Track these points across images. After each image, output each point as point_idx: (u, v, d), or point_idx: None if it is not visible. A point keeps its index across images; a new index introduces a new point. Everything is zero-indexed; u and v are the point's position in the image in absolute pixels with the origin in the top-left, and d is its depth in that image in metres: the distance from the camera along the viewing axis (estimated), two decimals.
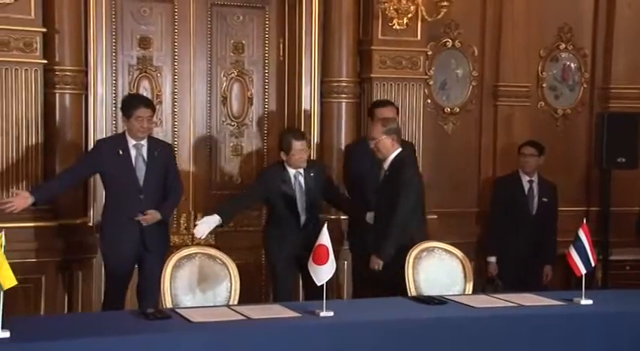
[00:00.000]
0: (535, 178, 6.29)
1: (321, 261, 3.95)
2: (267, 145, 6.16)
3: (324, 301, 3.93)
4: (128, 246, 5.05)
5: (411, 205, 4.94)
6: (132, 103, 5.09)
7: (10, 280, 3.38)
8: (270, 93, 6.17)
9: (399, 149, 5.07)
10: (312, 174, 5.39)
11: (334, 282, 5.55)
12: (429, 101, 6.50)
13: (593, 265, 4.45)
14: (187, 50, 5.91)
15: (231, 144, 6.13)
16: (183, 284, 4.38)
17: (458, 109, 6.66)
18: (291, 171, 5.37)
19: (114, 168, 5.03)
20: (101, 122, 5.61)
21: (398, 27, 5.89)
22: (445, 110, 6.63)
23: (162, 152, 5.15)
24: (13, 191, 5.06)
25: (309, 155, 5.57)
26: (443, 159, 6.53)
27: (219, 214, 5.16)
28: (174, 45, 5.90)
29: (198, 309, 4.10)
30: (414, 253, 4.80)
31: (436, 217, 6.08)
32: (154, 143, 5.17)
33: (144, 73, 5.85)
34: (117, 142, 5.11)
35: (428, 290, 4.68)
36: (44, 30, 5.24)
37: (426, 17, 5.90)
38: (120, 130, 5.50)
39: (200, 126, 6.00)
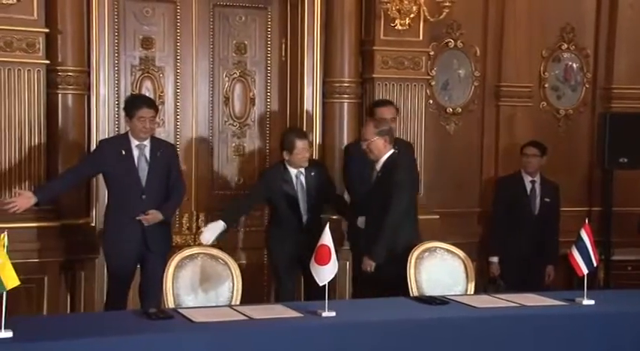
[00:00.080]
0: (537, 179, 6.29)
1: (323, 261, 3.95)
2: (269, 145, 6.16)
3: (326, 301, 3.94)
4: (130, 246, 5.06)
5: (403, 207, 4.94)
6: (134, 104, 5.10)
7: (12, 281, 3.39)
8: (272, 93, 6.17)
9: (392, 150, 5.06)
10: (312, 173, 5.41)
11: (337, 282, 5.55)
12: (431, 101, 6.50)
13: (595, 265, 4.46)
14: (190, 51, 5.92)
15: (234, 144, 6.13)
16: (186, 284, 4.39)
17: (460, 110, 6.66)
18: (293, 171, 5.38)
19: (116, 168, 5.04)
20: (103, 122, 5.62)
21: (400, 27, 5.89)
22: (447, 110, 6.63)
23: (164, 152, 5.16)
24: (15, 191, 5.06)
25: (311, 154, 5.59)
26: (445, 159, 6.54)
27: (223, 220, 5.19)
28: (177, 45, 5.90)
29: (201, 309, 4.10)
30: (415, 253, 4.81)
31: (438, 217, 6.08)
32: (157, 143, 5.18)
33: (146, 74, 5.85)
34: (120, 142, 5.12)
35: (430, 290, 4.68)
36: (47, 30, 5.25)
37: (428, 17, 5.90)
38: (122, 131, 5.51)
39: (202, 126, 6.01)
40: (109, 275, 5.23)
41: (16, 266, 3.42)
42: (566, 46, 6.93)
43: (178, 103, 5.94)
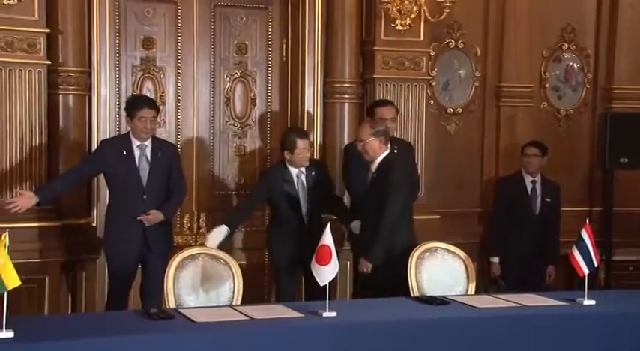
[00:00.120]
0: (538, 179, 6.29)
1: (324, 261, 3.96)
2: (270, 145, 6.17)
3: (327, 301, 3.94)
4: (131, 246, 5.06)
5: (399, 208, 4.94)
6: (135, 104, 5.11)
7: (14, 281, 3.39)
8: (273, 93, 6.18)
9: (387, 151, 5.06)
10: (313, 173, 5.42)
11: (337, 282, 5.56)
12: (432, 102, 6.50)
13: (595, 265, 4.46)
14: (190, 51, 5.92)
15: (234, 144, 6.14)
16: (187, 284, 4.40)
17: (460, 110, 6.66)
18: (294, 170, 5.39)
19: (118, 168, 5.05)
20: (104, 123, 5.62)
21: (401, 27, 5.89)
22: (448, 111, 6.63)
23: (166, 153, 5.17)
24: (17, 191, 5.07)
25: (312, 154, 5.60)
26: (445, 159, 6.54)
27: (226, 225, 5.21)
28: (178, 46, 5.90)
29: (202, 309, 4.11)
30: (416, 253, 4.81)
31: (439, 217, 6.08)
32: (158, 144, 5.18)
33: (147, 74, 5.86)
34: (121, 142, 5.12)
35: (430, 290, 4.69)
36: (48, 31, 5.25)
37: (429, 18, 5.90)
38: (123, 131, 5.51)
39: (203, 126, 6.01)
40: (110, 275, 5.24)
41: (17, 266, 3.42)
42: (566, 46, 6.94)
43: (179, 104, 5.94)
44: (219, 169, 6.09)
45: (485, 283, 6.10)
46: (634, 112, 6.79)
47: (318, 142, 6.02)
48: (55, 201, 5.27)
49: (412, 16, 5.84)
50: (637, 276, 6.65)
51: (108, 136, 5.50)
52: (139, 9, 5.82)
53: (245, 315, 3.91)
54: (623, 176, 6.73)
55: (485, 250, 6.40)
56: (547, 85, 6.94)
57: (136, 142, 5.08)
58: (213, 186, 6.06)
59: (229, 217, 5.39)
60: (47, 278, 5.25)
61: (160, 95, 5.87)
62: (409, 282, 4.72)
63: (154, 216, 5.01)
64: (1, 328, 3.36)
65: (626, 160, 6.50)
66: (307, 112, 6.04)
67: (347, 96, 6.03)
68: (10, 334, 3.36)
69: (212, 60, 6.01)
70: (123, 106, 5.38)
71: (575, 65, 6.99)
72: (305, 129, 5.89)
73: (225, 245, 5.24)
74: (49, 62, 5.29)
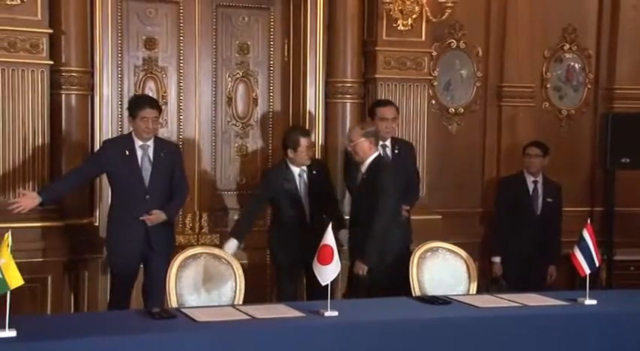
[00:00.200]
0: (540, 179, 6.29)
1: (326, 261, 3.96)
2: (271, 145, 6.17)
3: (329, 300, 3.94)
4: (133, 246, 5.07)
5: (390, 212, 4.95)
6: (137, 104, 5.12)
7: (17, 280, 3.40)
8: (274, 93, 6.18)
9: (377, 152, 5.08)
10: (314, 172, 5.44)
11: (339, 282, 5.56)
12: (434, 102, 6.50)
13: (597, 265, 4.46)
14: (192, 51, 5.93)
15: (236, 144, 6.14)
16: (189, 284, 4.40)
17: (462, 110, 6.67)
18: (295, 169, 5.40)
19: (120, 168, 5.06)
20: (107, 123, 5.63)
21: (402, 28, 5.90)
22: (449, 111, 6.64)
23: (168, 153, 5.18)
24: (20, 191, 5.07)
25: (314, 153, 5.61)
26: (447, 159, 6.55)
27: (235, 237, 5.27)
28: (180, 46, 5.91)
29: (204, 308, 4.12)
30: (418, 253, 4.83)
31: (440, 217, 6.09)
32: (161, 144, 5.19)
33: (149, 74, 5.87)
34: (123, 142, 5.13)
35: (432, 290, 4.69)
36: (50, 31, 5.26)
37: (431, 18, 5.91)
38: (126, 131, 5.53)
39: (205, 126, 6.02)
40: (112, 275, 5.25)
41: (20, 266, 3.43)
42: (568, 46, 6.94)
43: (181, 104, 5.95)
44: (221, 169, 6.10)
45: (487, 283, 6.10)
46: (635, 112, 6.80)
47: (320, 142, 6.02)
48: (58, 201, 5.28)
49: (414, 16, 5.85)
50: (638, 276, 6.65)
51: (110, 136, 5.51)
52: (141, 9, 5.83)
53: (247, 315, 3.92)
54: (624, 176, 6.74)
55: (487, 250, 6.40)
56: (548, 86, 6.94)
57: (138, 142, 5.09)
58: (215, 186, 6.07)
59: (237, 229, 5.41)
60: (50, 278, 5.25)
61: (162, 95, 5.88)
62: (411, 282, 4.74)
63: (157, 216, 5.02)
64: (4, 328, 3.37)
65: (628, 160, 6.51)
66: (309, 112, 6.04)
67: (349, 96, 6.03)
68: (13, 333, 3.37)
69: (214, 60, 6.02)
70: (125, 106, 5.40)
71: (576, 65, 6.99)
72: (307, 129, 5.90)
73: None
74: (51, 62, 5.30)
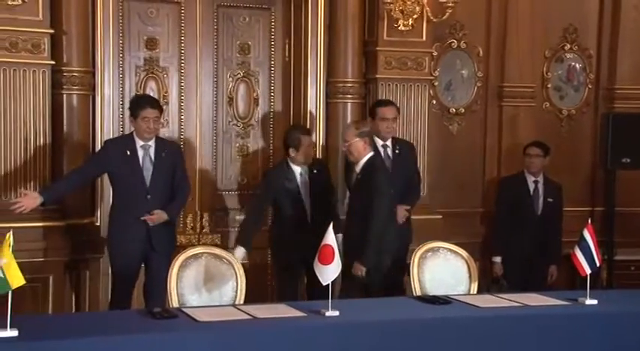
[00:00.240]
0: (540, 179, 6.30)
1: (327, 261, 3.96)
2: (272, 145, 6.18)
3: (330, 300, 3.95)
4: (135, 246, 5.08)
5: (385, 213, 4.95)
6: (138, 104, 5.13)
7: (18, 280, 3.40)
8: (275, 93, 6.19)
9: (371, 153, 5.07)
10: (315, 171, 5.45)
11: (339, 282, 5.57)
12: (434, 102, 6.51)
13: (597, 265, 4.46)
14: (194, 51, 5.94)
15: (237, 144, 6.15)
16: (190, 284, 4.41)
17: (463, 110, 6.67)
18: (297, 169, 5.41)
19: (121, 168, 5.06)
20: (108, 123, 5.64)
21: (403, 28, 5.91)
22: (450, 111, 6.64)
23: (169, 153, 5.18)
24: (21, 191, 5.08)
25: (315, 153, 5.62)
26: (448, 159, 6.55)
27: (242, 245, 5.28)
28: (181, 46, 5.92)
29: (205, 308, 4.12)
30: (419, 253, 4.83)
31: (441, 217, 6.10)
32: (162, 144, 5.20)
33: (150, 74, 5.87)
34: (125, 142, 5.14)
35: (433, 290, 4.70)
36: (52, 31, 5.27)
37: (431, 18, 5.92)
38: (127, 131, 5.54)
39: (206, 126, 6.02)
40: (114, 275, 5.26)
41: (21, 265, 3.43)
42: (569, 46, 6.94)
43: (182, 104, 5.96)
44: (222, 168, 6.11)
45: (488, 283, 6.11)
46: (636, 112, 6.81)
47: (321, 143, 6.03)
48: (59, 201, 5.29)
49: (415, 16, 5.86)
50: (639, 276, 6.66)
51: (112, 136, 5.52)
52: (142, 9, 5.84)
53: (248, 314, 3.93)
54: (625, 176, 6.74)
55: (488, 250, 6.41)
56: (549, 86, 6.94)
57: (139, 142, 5.10)
58: (216, 186, 6.08)
59: (243, 236, 5.40)
60: (51, 277, 5.26)
61: (164, 95, 5.88)
62: (411, 281, 4.74)
63: (158, 216, 5.03)
64: (6, 327, 3.37)
65: (628, 160, 6.52)
66: (310, 112, 6.05)
67: (349, 96, 6.04)
68: (15, 333, 3.38)
69: (215, 60, 6.02)
70: (126, 106, 5.41)
71: (577, 65, 7.00)
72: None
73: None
74: (53, 62, 5.30)
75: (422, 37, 6.05)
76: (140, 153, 5.09)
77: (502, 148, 6.74)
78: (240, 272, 4.48)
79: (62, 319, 4.31)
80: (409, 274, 4.78)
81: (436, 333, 3.99)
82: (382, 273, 4.98)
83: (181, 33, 5.92)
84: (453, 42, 6.60)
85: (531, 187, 6.28)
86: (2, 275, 3.37)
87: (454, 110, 6.65)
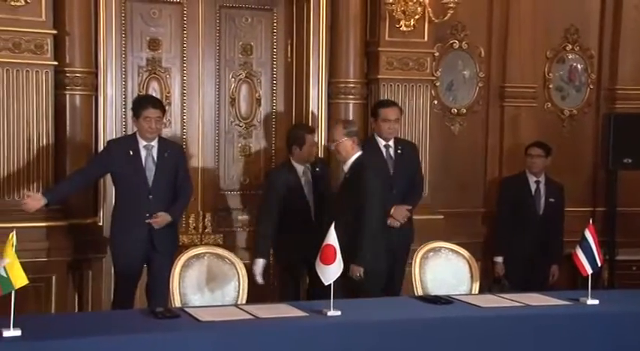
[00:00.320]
0: (542, 179, 6.31)
1: (329, 261, 3.97)
2: (275, 145, 6.19)
3: (332, 300, 3.95)
4: (137, 246, 5.09)
5: (377, 213, 4.93)
6: (141, 104, 5.14)
7: (21, 280, 3.41)
8: (278, 94, 6.20)
9: (360, 152, 5.05)
10: (317, 169, 5.46)
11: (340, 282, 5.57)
12: (436, 102, 6.52)
13: (599, 265, 4.47)
14: (196, 52, 5.95)
15: (240, 144, 6.16)
16: (192, 283, 4.42)
17: (464, 110, 6.68)
18: (300, 168, 5.43)
19: (124, 168, 5.08)
20: (111, 123, 5.65)
21: (405, 28, 5.92)
22: (452, 111, 6.65)
23: (172, 153, 5.19)
24: (25, 193, 5.08)
25: (316, 152, 5.63)
26: (449, 159, 6.56)
27: (262, 257, 5.31)
28: (183, 47, 5.93)
29: (207, 308, 4.13)
30: (420, 252, 4.84)
31: (443, 217, 6.10)
32: (165, 144, 5.21)
33: (153, 75, 5.89)
34: (127, 142, 5.15)
35: (435, 290, 4.71)
36: (55, 32, 5.28)
37: (433, 19, 5.92)
38: (130, 131, 5.55)
39: (209, 127, 6.04)
40: (116, 274, 5.26)
41: (24, 265, 3.45)
42: (570, 47, 6.95)
43: (185, 104, 5.97)
44: (224, 169, 6.12)
45: (489, 283, 6.12)
46: (637, 112, 6.81)
47: (323, 143, 6.03)
48: (63, 201, 5.30)
49: (416, 17, 5.87)
50: None
51: (114, 136, 5.53)
52: (144, 10, 5.85)
53: (250, 314, 3.94)
54: (626, 176, 6.74)
55: (489, 250, 6.41)
56: (551, 86, 6.95)
57: (142, 142, 5.11)
58: (218, 186, 6.09)
59: (261, 248, 5.38)
60: (54, 277, 5.26)
61: (166, 96, 5.90)
62: (413, 281, 4.75)
63: (162, 218, 5.04)
64: (9, 327, 3.39)
65: (630, 161, 6.52)
66: (312, 113, 6.06)
67: (351, 96, 6.05)
68: (18, 332, 3.39)
69: (217, 61, 6.03)
70: (129, 106, 5.43)
71: (578, 66, 7.00)
72: None
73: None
74: (55, 63, 5.31)
75: (423, 38, 6.06)
76: (143, 153, 5.10)
77: (504, 148, 6.74)
78: (243, 272, 4.50)
79: (65, 318, 4.31)
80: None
81: (438, 333, 3.99)
82: (378, 273, 4.96)
83: (184, 33, 5.93)
84: (455, 42, 6.60)
85: (533, 187, 6.29)
86: (5, 275, 3.38)
87: (456, 110, 6.66)
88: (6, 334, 3.37)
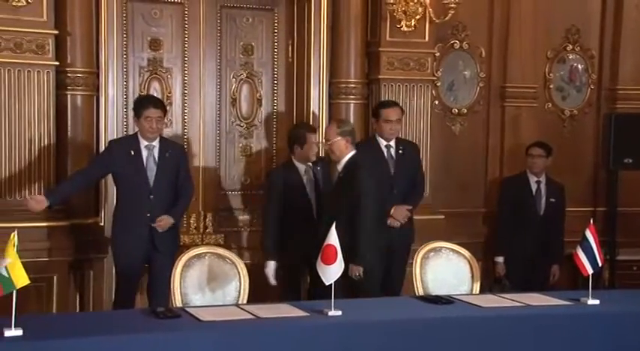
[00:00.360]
0: (543, 179, 6.31)
1: (330, 261, 3.97)
2: (275, 145, 6.20)
3: (332, 300, 3.96)
4: (138, 246, 5.10)
5: (371, 213, 4.91)
6: (142, 104, 5.15)
7: (23, 279, 3.42)
8: (279, 94, 6.21)
9: (353, 151, 5.04)
10: (319, 168, 5.46)
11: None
12: (437, 102, 6.53)
13: (600, 265, 4.47)
14: (197, 52, 5.96)
15: (241, 144, 6.17)
16: (193, 283, 4.43)
17: (465, 110, 6.69)
18: (301, 166, 5.44)
19: (125, 168, 5.08)
20: (112, 123, 5.66)
21: (406, 29, 5.93)
22: (453, 111, 6.66)
23: (173, 153, 5.20)
24: (28, 196, 5.06)
25: (318, 151, 5.64)
26: (450, 159, 6.57)
27: (272, 260, 5.33)
28: (185, 47, 5.94)
29: (208, 308, 4.14)
30: (421, 252, 4.84)
31: (443, 217, 6.11)
32: (166, 144, 5.22)
33: (154, 75, 5.89)
34: (129, 142, 5.16)
35: (435, 290, 4.71)
36: (56, 32, 5.29)
37: (434, 19, 5.93)
38: (131, 131, 5.56)
39: (210, 127, 6.04)
40: (117, 274, 5.27)
41: (25, 265, 3.45)
42: (571, 47, 6.95)
43: (186, 104, 5.98)
44: (225, 169, 6.12)
45: (490, 283, 6.12)
46: (638, 112, 6.81)
47: (324, 143, 6.04)
48: (65, 202, 5.31)
49: (417, 17, 5.87)
50: None
51: (115, 136, 5.54)
52: (146, 10, 5.86)
53: (251, 314, 3.94)
54: (627, 176, 6.75)
55: (490, 250, 6.42)
56: (551, 86, 6.96)
57: (143, 143, 5.12)
58: (219, 186, 6.10)
59: (272, 250, 5.38)
60: (55, 277, 5.27)
61: (167, 96, 5.90)
62: (414, 281, 4.76)
63: (165, 221, 5.05)
64: (10, 326, 3.39)
65: (630, 161, 6.52)
66: (313, 113, 6.07)
67: (352, 96, 6.06)
68: (19, 332, 3.40)
69: (218, 61, 6.04)
70: (130, 106, 5.44)
71: (579, 66, 7.01)
72: None
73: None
74: (57, 63, 5.32)
75: (424, 38, 6.06)
76: (144, 153, 5.11)
77: (504, 148, 6.75)
78: (244, 272, 4.50)
79: (66, 318, 4.32)
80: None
81: (438, 333, 4.00)
82: (375, 274, 4.95)
83: (185, 34, 5.94)
84: (456, 43, 6.61)
85: (534, 187, 6.29)
86: (7, 275, 3.39)
87: (456, 111, 6.66)
88: (7, 333, 3.38)
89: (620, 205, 6.69)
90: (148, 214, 5.07)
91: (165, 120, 5.46)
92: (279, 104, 6.21)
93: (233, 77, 6.10)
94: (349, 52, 6.02)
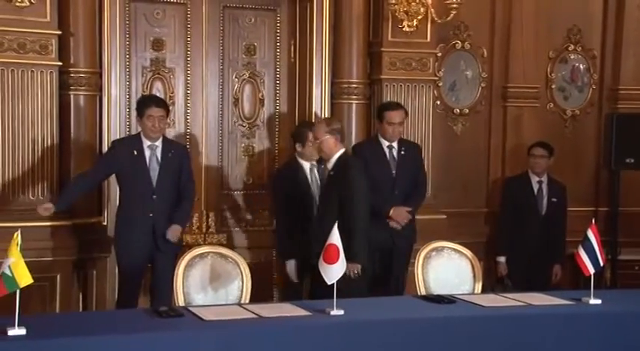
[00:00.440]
0: (544, 179, 6.31)
1: (332, 260, 3.98)
2: (278, 145, 6.21)
3: (335, 299, 3.97)
4: (141, 245, 5.11)
5: (364, 208, 4.90)
6: (144, 103, 5.17)
7: (26, 279, 3.44)
8: (281, 94, 6.22)
9: (343, 149, 5.04)
10: (322, 166, 5.47)
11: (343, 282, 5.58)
12: (439, 102, 6.53)
13: (601, 265, 4.47)
14: (200, 52, 5.97)
15: (243, 144, 6.18)
16: (196, 283, 4.43)
17: (467, 110, 6.69)
18: (306, 164, 5.44)
19: (128, 168, 5.10)
20: (115, 123, 5.67)
21: (408, 29, 5.93)
22: (454, 111, 6.67)
23: (176, 153, 5.21)
24: (36, 206, 5.05)
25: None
26: (452, 160, 6.57)
27: (292, 258, 5.34)
28: (187, 47, 5.95)
29: (210, 307, 4.15)
30: (423, 252, 4.85)
31: (445, 217, 6.12)
32: (169, 144, 5.23)
33: (157, 75, 5.90)
34: (132, 142, 5.17)
35: (437, 289, 4.72)
36: (59, 32, 5.30)
37: (436, 19, 5.94)
38: (134, 131, 5.57)
39: (212, 127, 6.05)
40: (120, 274, 5.29)
41: (29, 264, 3.47)
42: (572, 47, 6.96)
43: (188, 104, 5.99)
44: (227, 168, 6.14)
45: (492, 283, 6.12)
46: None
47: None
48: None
49: (419, 17, 5.88)
50: None
51: (118, 137, 5.55)
52: (148, 11, 5.87)
53: (253, 313, 3.95)
54: (628, 176, 6.75)
55: (492, 250, 6.43)
56: (553, 86, 6.96)
57: (146, 142, 5.13)
58: (221, 186, 6.11)
59: (287, 248, 5.40)
60: (58, 276, 5.28)
61: (170, 96, 5.91)
62: (416, 281, 4.76)
63: (174, 232, 5.08)
64: (14, 326, 3.41)
65: (632, 161, 6.52)
66: (315, 113, 6.07)
67: (354, 97, 6.07)
68: (23, 331, 3.41)
69: (221, 61, 6.05)
70: (133, 106, 5.45)
71: (581, 66, 7.01)
72: None
73: None
74: (60, 63, 5.34)
75: (426, 38, 6.07)
76: (147, 153, 5.12)
77: (506, 148, 6.75)
78: (246, 272, 4.51)
79: (69, 317, 4.34)
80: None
81: (440, 332, 4.00)
82: (365, 271, 4.95)
83: (187, 34, 5.95)
84: (457, 43, 6.62)
85: (535, 187, 6.30)
86: (10, 274, 3.40)
87: (458, 111, 6.67)
88: (11, 332, 3.39)
89: (622, 205, 6.69)
90: (151, 214, 5.08)
91: (168, 120, 5.47)
92: (281, 104, 6.22)
93: (235, 77, 6.11)
94: (351, 52, 6.03)
